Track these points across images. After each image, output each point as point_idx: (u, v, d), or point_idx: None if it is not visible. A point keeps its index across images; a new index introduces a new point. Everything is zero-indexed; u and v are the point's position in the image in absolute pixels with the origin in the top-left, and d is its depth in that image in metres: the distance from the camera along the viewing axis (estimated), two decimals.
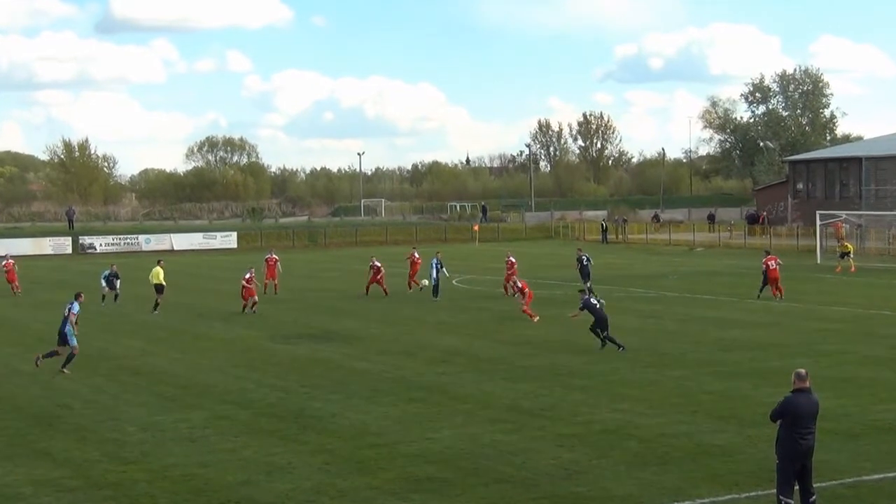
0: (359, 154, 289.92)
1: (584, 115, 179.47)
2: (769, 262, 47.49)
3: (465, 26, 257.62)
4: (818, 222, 73.47)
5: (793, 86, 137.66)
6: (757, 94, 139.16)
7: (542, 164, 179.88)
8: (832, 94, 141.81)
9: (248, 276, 46.44)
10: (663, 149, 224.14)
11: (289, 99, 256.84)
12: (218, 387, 28.78)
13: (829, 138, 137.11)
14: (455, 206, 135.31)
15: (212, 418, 24.66)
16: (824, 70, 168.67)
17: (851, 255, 63.87)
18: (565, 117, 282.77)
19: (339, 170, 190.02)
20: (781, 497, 16.23)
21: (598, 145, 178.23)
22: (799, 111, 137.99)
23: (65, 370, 31.15)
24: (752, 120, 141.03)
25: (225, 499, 18.16)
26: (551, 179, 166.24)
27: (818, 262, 68.45)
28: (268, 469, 19.99)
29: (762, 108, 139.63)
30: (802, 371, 16.73)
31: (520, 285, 42.33)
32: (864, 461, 19.81)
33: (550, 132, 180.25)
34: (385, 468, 19.93)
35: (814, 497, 16.26)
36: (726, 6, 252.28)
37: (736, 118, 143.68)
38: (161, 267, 48.18)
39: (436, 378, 29.53)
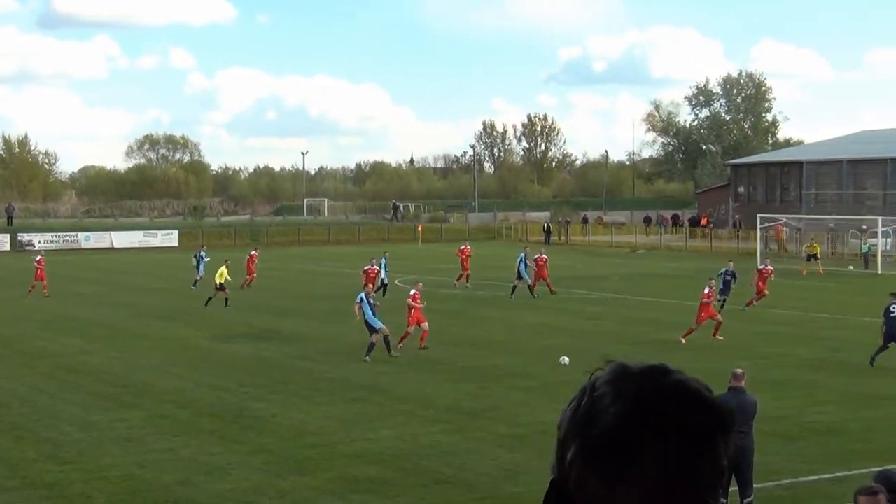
0: (302, 153, 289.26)
1: (529, 117, 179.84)
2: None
3: (410, 27, 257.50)
4: (759, 225, 74.15)
5: (736, 90, 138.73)
6: (700, 98, 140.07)
7: (487, 165, 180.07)
8: (775, 99, 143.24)
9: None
10: (606, 151, 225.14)
11: (232, 97, 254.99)
12: (156, 386, 28.58)
13: (771, 142, 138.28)
14: (399, 206, 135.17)
15: (150, 418, 24.51)
16: (767, 75, 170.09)
17: (819, 257, 64.41)
18: (510, 119, 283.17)
19: (283, 169, 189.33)
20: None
21: (543, 147, 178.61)
22: (742, 115, 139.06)
23: None
24: (695, 123, 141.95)
25: (162, 499, 18.06)
26: (495, 180, 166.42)
27: (758, 265, 68.93)
28: (206, 469, 19.89)
29: (705, 112, 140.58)
30: (738, 371, 16.96)
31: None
32: (801, 463, 20.02)
33: (495, 133, 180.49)
34: (325, 468, 19.89)
35: (751, 498, 16.42)
36: (668, 10, 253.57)
37: (679, 121, 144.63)
38: (227, 266, 48.92)
39: (377, 378, 29.51)
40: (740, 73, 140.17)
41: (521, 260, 51.38)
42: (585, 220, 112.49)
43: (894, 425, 23.53)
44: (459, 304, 47.23)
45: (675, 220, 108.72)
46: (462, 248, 58.40)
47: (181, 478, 19.27)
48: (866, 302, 43.89)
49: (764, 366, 30.84)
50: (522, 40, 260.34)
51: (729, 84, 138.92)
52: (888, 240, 70.05)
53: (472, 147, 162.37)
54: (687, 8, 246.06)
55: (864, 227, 72.93)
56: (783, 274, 58.21)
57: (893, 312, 30.63)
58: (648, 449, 1.88)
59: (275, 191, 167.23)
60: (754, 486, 16.66)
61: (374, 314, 33.06)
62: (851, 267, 65.27)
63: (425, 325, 34.88)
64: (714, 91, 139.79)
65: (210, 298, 46.78)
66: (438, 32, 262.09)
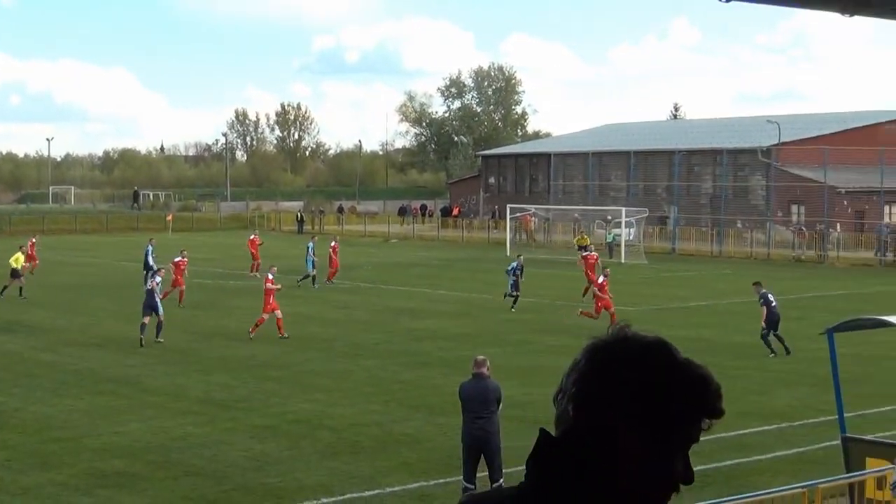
0: (48, 139, 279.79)
1: (282, 106, 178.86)
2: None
3: (162, 10, 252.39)
4: (508, 215, 75.76)
5: (487, 82, 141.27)
6: (452, 90, 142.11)
7: (239, 153, 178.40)
8: (524, 92, 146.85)
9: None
10: (360, 141, 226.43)
11: None
12: None
13: (520, 134, 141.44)
14: (139, 194, 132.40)
15: None
16: (517, 68, 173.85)
17: (591, 249, 65.70)
18: (263, 107, 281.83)
19: (27, 155, 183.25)
20: (463, 482, 16.75)
21: (296, 136, 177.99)
22: (492, 107, 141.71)
23: None
24: (447, 115, 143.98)
25: None
26: (248, 169, 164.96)
27: (508, 254, 70.41)
28: None
29: (457, 104, 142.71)
30: (479, 357, 17.38)
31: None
32: None
33: (248, 121, 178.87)
34: (70, 463, 19.39)
35: (500, 482, 16.75)
36: (423, 1, 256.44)
37: (432, 112, 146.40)
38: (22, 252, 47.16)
39: (126, 371, 28.91)
40: (491, 66, 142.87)
41: (310, 248, 50.95)
42: (340, 210, 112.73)
43: None
44: (211, 294, 46.65)
45: (423, 210, 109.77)
46: (251, 237, 57.73)
47: None
48: (612, 290, 45.26)
49: (513, 352, 31.55)
50: (276, 28, 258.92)
51: (480, 77, 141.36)
52: (631, 230, 72.51)
53: (225, 135, 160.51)
54: (441, 0, 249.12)
55: (609, 217, 75.32)
56: (534, 264, 59.50)
57: (774, 303, 31.74)
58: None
59: (18, 178, 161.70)
60: (505, 471, 17.01)
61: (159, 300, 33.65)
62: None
63: (279, 312, 34.85)
64: (466, 83, 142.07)
65: (5, 287, 45.05)
66: (191, 17, 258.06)
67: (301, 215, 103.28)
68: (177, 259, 44.53)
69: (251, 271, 54.15)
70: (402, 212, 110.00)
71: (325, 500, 17.53)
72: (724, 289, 50.50)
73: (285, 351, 32.04)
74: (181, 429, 22.03)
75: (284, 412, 23.61)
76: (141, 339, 32.70)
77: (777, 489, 15.23)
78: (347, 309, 42.34)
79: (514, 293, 42.19)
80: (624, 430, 2.32)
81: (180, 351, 32.14)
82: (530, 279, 53.32)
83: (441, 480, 18.41)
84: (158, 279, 35.07)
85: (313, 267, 50.03)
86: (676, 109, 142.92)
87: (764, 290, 32.24)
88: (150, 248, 49.80)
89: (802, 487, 14.60)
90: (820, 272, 59.30)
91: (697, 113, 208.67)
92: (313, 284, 49.60)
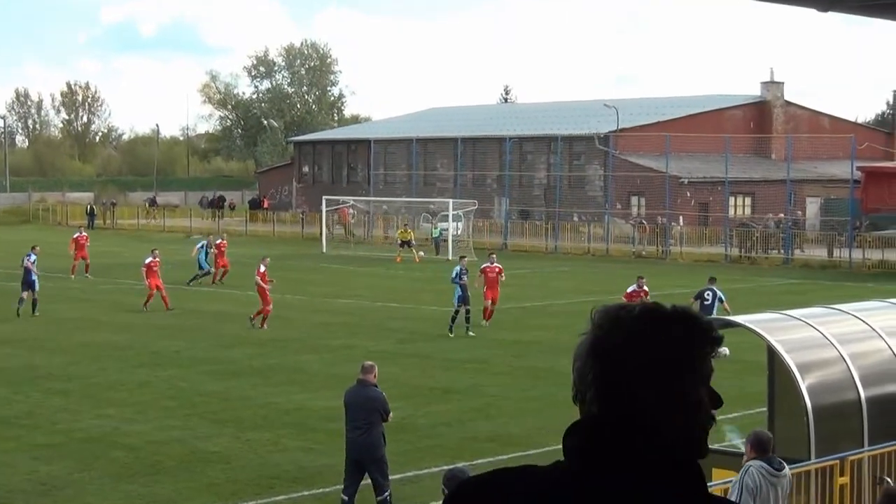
0: None
1: (69, 85, 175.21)
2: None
3: None
4: (324, 208, 75.54)
5: (299, 60, 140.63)
6: (261, 69, 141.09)
7: (20, 138, 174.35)
8: (341, 72, 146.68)
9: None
10: (158, 125, 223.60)
11: None
12: None
13: (337, 118, 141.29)
14: None
15: None
16: (334, 45, 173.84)
17: (413, 244, 66.03)
18: (46, 86, 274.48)
19: None
20: (342, 494, 16.94)
21: (85, 119, 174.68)
22: (306, 88, 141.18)
23: None
24: (255, 96, 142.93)
25: None
26: (30, 156, 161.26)
27: (324, 250, 70.37)
28: None
29: (266, 84, 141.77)
30: (367, 363, 17.74)
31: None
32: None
33: (29, 103, 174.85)
34: None
35: (384, 495, 16.92)
36: None
37: (238, 94, 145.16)
38: None
39: None
40: (304, 43, 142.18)
41: (202, 246, 52.08)
42: (153, 203, 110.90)
43: (463, 420, 24.62)
44: None
45: (222, 203, 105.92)
46: (76, 236, 56.03)
47: None
48: (438, 290, 45.59)
49: (330, 359, 31.49)
50: None
51: (292, 54, 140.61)
52: (459, 224, 72.98)
53: (3, 118, 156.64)
54: None
55: (432, 207, 75.81)
56: (352, 261, 59.67)
57: (708, 300, 33.25)
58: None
59: None
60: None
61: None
62: (422, 253, 67.63)
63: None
64: (276, 62, 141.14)
65: None
66: None
67: (91, 208, 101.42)
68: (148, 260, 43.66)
69: (71, 273, 52.61)
70: (207, 204, 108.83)
71: None
72: (560, 287, 51.27)
73: (73, 360, 31.40)
74: None
75: (73, 429, 23.15)
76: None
77: None
78: (149, 313, 41.69)
79: (464, 307, 36.73)
80: (653, 399, 2.83)
81: None
82: (349, 278, 53.36)
83: (252, 503, 18.27)
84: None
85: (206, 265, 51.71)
86: (507, 92, 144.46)
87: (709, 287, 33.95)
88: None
89: None
90: (662, 269, 60.60)
91: (530, 97, 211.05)
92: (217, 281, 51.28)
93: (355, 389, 17.36)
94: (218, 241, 53.31)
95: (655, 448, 2.82)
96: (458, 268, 38.00)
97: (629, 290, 35.31)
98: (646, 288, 34.64)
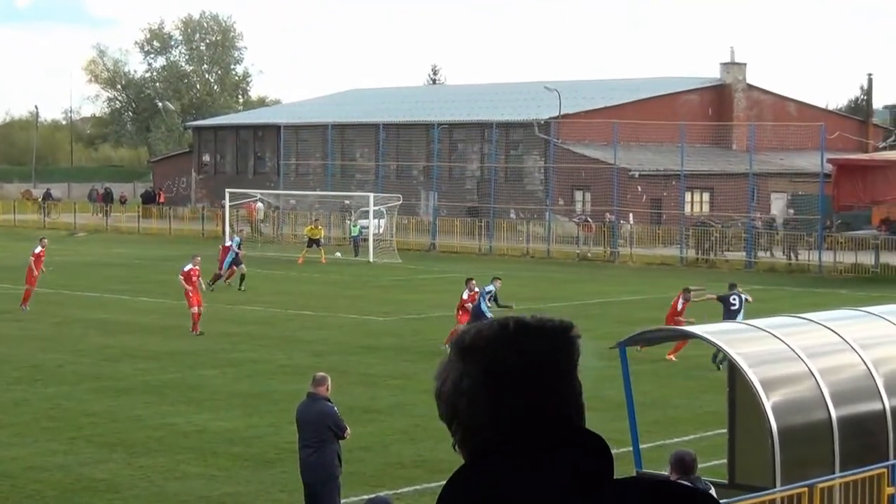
0: None
1: None
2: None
3: None
4: (227, 203, 75.11)
5: (199, 35, 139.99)
6: (155, 43, 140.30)
7: None
8: (246, 48, 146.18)
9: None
10: (37, 107, 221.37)
11: None
12: None
13: (242, 101, 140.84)
14: None
15: None
16: (237, 18, 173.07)
17: (322, 243, 65.51)
18: None
19: None
20: None
21: None
22: (206, 66, 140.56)
23: None
24: (148, 75, 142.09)
25: None
26: None
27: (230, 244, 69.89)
28: None
29: (161, 61, 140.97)
30: (318, 374, 17.88)
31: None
32: (279, 492, 20.52)
33: None
34: None
35: None
36: None
37: (129, 72, 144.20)
38: None
39: None
40: (203, 16, 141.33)
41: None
42: (48, 197, 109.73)
43: (386, 443, 24.57)
44: None
45: (108, 196, 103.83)
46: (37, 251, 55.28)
47: None
48: (358, 296, 45.61)
49: (234, 375, 31.35)
50: None
51: (190, 28, 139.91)
52: (381, 221, 72.66)
53: None
54: None
55: (347, 202, 75.70)
56: (260, 263, 59.43)
57: (734, 305, 33.71)
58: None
59: None
60: None
61: None
62: (339, 254, 67.44)
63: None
64: (172, 36, 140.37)
65: None
66: None
67: None
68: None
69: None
70: (97, 197, 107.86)
71: None
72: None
73: None
74: None
75: None
76: None
77: None
78: (22, 322, 41.33)
79: None
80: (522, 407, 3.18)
81: None
82: (256, 282, 53.06)
83: None
84: None
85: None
86: (435, 73, 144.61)
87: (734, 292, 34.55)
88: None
89: None
90: (610, 272, 60.87)
91: (461, 78, 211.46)
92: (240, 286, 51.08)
93: (306, 404, 17.48)
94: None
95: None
96: (489, 287, 36.13)
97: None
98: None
